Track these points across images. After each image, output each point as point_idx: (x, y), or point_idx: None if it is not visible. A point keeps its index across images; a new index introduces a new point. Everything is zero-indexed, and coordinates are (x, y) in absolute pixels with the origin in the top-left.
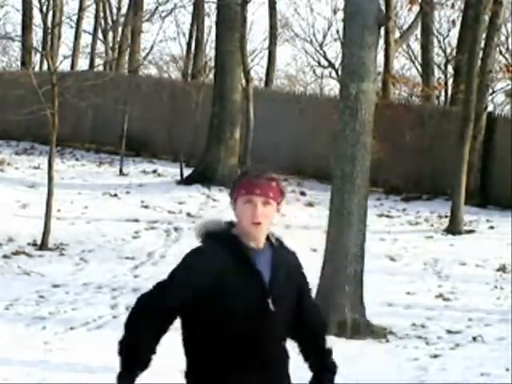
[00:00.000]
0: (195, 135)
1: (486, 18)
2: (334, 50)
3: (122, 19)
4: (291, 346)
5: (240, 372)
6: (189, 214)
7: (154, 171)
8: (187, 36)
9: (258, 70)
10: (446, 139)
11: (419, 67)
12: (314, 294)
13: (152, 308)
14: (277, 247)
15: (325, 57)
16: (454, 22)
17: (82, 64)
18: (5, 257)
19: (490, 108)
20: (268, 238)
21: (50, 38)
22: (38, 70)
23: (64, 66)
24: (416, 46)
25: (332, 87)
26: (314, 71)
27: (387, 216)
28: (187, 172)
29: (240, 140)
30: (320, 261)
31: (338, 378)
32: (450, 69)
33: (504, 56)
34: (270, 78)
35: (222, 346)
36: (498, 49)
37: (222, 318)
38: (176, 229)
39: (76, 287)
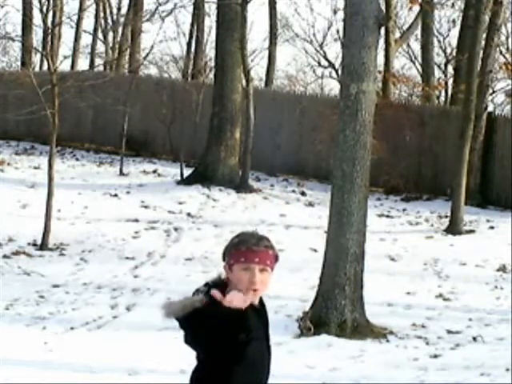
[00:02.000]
0: (195, 135)
1: (486, 18)
2: (334, 50)
3: (122, 19)
4: None
5: None
6: (189, 214)
7: (154, 171)
8: (187, 36)
9: (258, 70)
10: (446, 139)
11: (419, 67)
12: (313, 293)
13: None
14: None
15: (325, 57)
16: (454, 21)
17: (82, 64)
18: (5, 257)
19: (490, 108)
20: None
21: (50, 38)
22: (38, 70)
23: (64, 66)
24: (416, 46)
25: (332, 87)
26: (314, 71)
27: (387, 216)
28: (187, 172)
29: (240, 140)
30: (320, 261)
31: (338, 378)
32: (450, 69)
33: (504, 56)
34: (270, 78)
35: None
36: (498, 49)
37: None
38: (176, 229)
39: (76, 287)
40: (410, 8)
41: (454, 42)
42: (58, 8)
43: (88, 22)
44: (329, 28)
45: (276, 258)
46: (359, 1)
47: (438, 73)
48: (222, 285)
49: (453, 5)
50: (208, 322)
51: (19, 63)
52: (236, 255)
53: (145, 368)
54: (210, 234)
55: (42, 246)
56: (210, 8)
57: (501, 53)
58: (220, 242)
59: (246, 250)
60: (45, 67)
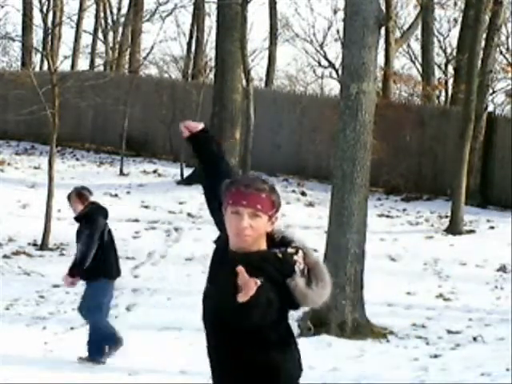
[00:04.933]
0: None
1: (487, 17)
2: (335, 50)
3: (122, 19)
4: None
5: None
6: (189, 214)
7: (155, 171)
8: (187, 36)
9: (258, 70)
10: (446, 139)
11: (419, 67)
12: None
13: None
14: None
15: (325, 57)
16: (455, 20)
17: (83, 64)
18: (5, 257)
19: (491, 108)
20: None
21: (50, 38)
22: (38, 70)
23: (64, 66)
24: (416, 46)
25: (332, 87)
26: (315, 71)
27: (387, 216)
28: (187, 172)
29: (240, 140)
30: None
31: (338, 378)
32: (451, 69)
33: (504, 56)
34: (270, 78)
35: None
36: (498, 49)
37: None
38: (176, 229)
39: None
40: (415, 6)
41: (454, 42)
42: (58, 8)
43: (88, 22)
44: (329, 28)
45: (273, 204)
46: (359, 1)
47: (438, 73)
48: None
49: (455, 4)
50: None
51: (19, 63)
52: (226, 197)
53: (145, 368)
54: (211, 234)
55: (42, 245)
56: (210, 8)
57: (501, 53)
58: None
59: (235, 191)
60: (45, 67)
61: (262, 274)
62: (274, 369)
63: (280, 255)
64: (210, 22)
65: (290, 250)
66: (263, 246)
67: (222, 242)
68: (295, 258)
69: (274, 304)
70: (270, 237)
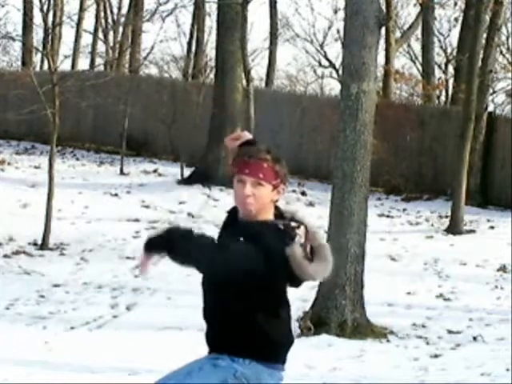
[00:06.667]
0: (196, 135)
1: (487, 17)
2: (335, 50)
3: (122, 19)
4: None
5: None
6: (189, 214)
7: (155, 171)
8: (188, 36)
9: (258, 70)
10: (446, 139)
11: (420, 67)
12: (314, 293)
13: None
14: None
15: (325, 57)
16: (456, 19)
17: (83, 64)
18: (5, 256)
19: (491, 108)
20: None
21: (50, 38)
22: (38, 70)
23: (64, 65)
24: (417, 46)
25: (333, 87)
26: (315, 71)
27: (387, 216)
28: (188, 172)
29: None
30: None
31: (338, 378)
32: (451, 69)
33: (504, 56)
34: (270, 77)
35: None
36: (498, 49)
37: None
38: None
39: (76, 287)
40: (415, 5)
41: (455, 42)
42: (58, 8)
43: (88, 22)
44: (329, 28)
45: (276, 174)
46: (359, 1)
47: (438, 73)
48: None
49: (455, 4)
50: None
51: (20, 63)
52: (233, 166)
53: (145, 368)
54: (211, 234)
55: (43, 245)
56: (211, 8)
57: (501, 53)
58: None
59: (240, 161)
60: (45, 67)
61: (262, 237)
62: (256, 332)
63: (281, 226)
64: (210, 22)
65: (292, 223)
66: (270, 217)
67: (233, 211)
68: (297, 231)
69: (253, 253)
70: (281, 215)
